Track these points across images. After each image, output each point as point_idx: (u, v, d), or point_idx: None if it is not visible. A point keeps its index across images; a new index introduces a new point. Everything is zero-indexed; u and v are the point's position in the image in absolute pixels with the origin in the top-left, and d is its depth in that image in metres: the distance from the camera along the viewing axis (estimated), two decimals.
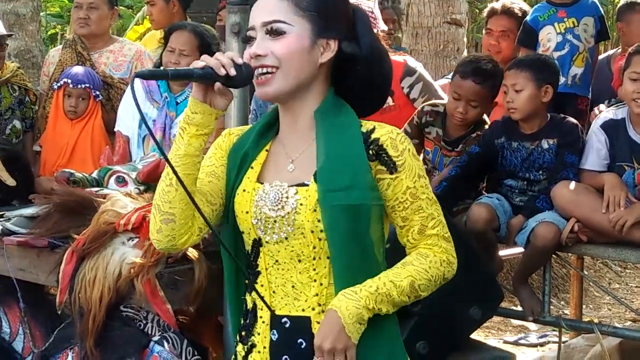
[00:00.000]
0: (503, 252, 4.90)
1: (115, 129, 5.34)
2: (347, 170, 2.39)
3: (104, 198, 3.95)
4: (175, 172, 2.37)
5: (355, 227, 2.38)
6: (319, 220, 2.39)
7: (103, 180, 4.28)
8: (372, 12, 4.60)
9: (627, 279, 9.38)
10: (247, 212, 2.47)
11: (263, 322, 2.49)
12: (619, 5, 6.07)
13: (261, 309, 2.50)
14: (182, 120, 2.43)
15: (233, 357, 2.60)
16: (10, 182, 4.68)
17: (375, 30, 3.15)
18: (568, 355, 5.78)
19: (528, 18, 5.54)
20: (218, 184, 2.51)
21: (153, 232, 2.49)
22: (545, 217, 4.40)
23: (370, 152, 2.43)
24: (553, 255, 4.67)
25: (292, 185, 2.44)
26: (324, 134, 2.43)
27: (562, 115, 4.66)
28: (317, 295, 2.44)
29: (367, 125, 2.47)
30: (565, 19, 5.40)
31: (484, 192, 4.84)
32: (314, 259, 2.43)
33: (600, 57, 5.64)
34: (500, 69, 4.79)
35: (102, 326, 3.64)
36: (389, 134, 2.44)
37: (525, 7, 5.84)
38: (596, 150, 4.49)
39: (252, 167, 2.50)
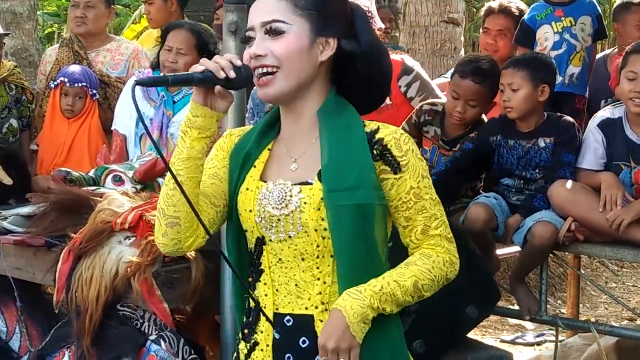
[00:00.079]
0: (500, 251, 4.90)
1: (112, 128, 5.34)
2: (352, 170, 2.40)
3: (101, 197, 3.95)
4: (175, 179, 2.38)
5: (360, 227, 2.39)
6: (322, 219, 2.40)
7: (100, 179, 4.28)
8: (369, 11, 4.60)
9: (623, 278, 9.39)
10: (250, 211, 2.47)
11: (266, 321, 2.50)
12: (614, 6, 6.08)
13: (264, 307, 2.50)
14: (183, 124, 2.44)
15: (235, 354, 2.61)
16: (7, 180, 4.68)
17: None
18: (565, 354, 5.78)
19: (525, 17, 5.55)
20: (221, 185, 2.52)
21: (158, 236, 2.49)
22: (542, 216, 4.40)
23: (374, 152, 2.44)
24: (550, 254, 4.67)
25: (295, 184, 2.45)
26: (328, 134, 2.44)
27: (559, 114, 4.66)
28: (320, 293, 2.45)
29: (370, 125, 2.48)
30: (563, 18, 5.41)
31: (481, 191, 4.84)
32: (318, 257, 2.44)
33: (597, 56, 5.64)
34: (500, 69, 4.80)
35: (99, 325, 3.64)
36: (393, 134, 2.45)
37: (523, 6, 5.84)
38: (593, 150, 4.48)
39: (255, 166, 2.51)
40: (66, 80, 5.42)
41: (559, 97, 5.03)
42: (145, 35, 7.67)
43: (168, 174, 2.44)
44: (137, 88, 5.58)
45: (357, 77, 2.50)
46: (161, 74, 2.43)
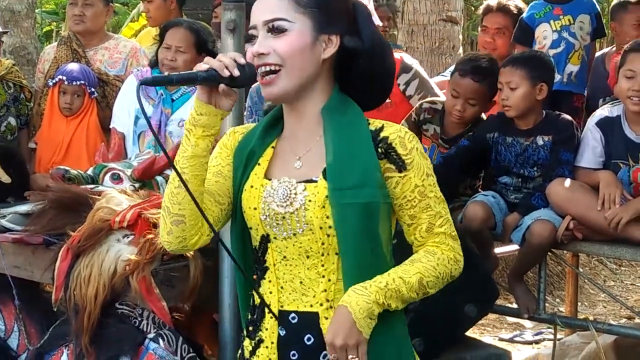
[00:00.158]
0: (498, 250, 4.91)
1: (111, 126, 5.34)
2: (356, 168, 2.40)
3: (99, 195, 3.94)
4: (179, 176, 2.38)
5: (365, 225, 2.40)
6: (327, 217, 2.41)
7: (98, 177, 4.28)
8: (367, 8, 4.60)
9: (622, 277, 9.40)
10: (255, 209, 2.48)
11: (271, 317, 2.51)
12: (612, 5, 6.08)
13: (269, 304, 2.51)
14: (187, 122, 2.45)
15: (240, 351, 2.61)
16: (5, 179, 4.67)
17: None
18: (563, 352, 5.78)
19: (524, 15, 5.55)
20: (225, 183, 2.53)
21: (163, 234, 2.50)
22: (540, 215, 4.40)
23: (379, 150, 2.44)
24: (548, 253, 4.67)
25: (300, 182, 2.46)
26: (333, 132, 2.44)
27: (557, 113, 4.66)
28: (325, 291, 2.46)
29: (375, 123, 2.49)
30: (561, 17, 5.41)
31: (479, 189, 4.84)
32: (323, 255, 2.45)
33: (595, 55, 5.64)
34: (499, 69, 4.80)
35: (97, 323, 3.64)
36: (397, 133, 2.46)
37: (521, 4, 5.84)
38: (591, 148, 4.48)
39: (259, 164, 2.51)
40: (64, 78, 5.41)
41: (557, 96, 5.03)
42: (144, 33, 7.67)
43: (172, 172, 2.45)
44: (135, 85, 5.60)
45: (360, 73, 2.51)
46: (166, 73, 2.43)
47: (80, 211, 3.88)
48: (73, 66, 5.52)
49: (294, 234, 2.45)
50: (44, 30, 14.19)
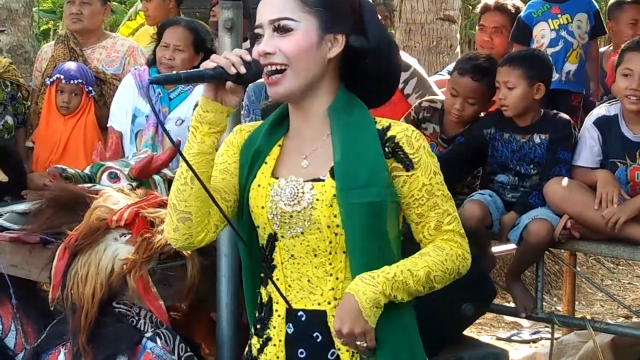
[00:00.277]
0: (496, 249, 4.91)
1: (108, 125, 5.34)
2: (364, 167, 2.41)
3: (97, 194, 3.94)
4: (191, 169, 2.39)
5: (373, 224, 2.41)
6: (335, 216, 2.42)
7: (95, 176, 4.27)
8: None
9: (619, 276, 9.40)
10: (262, 207, 2.49)
11: (279, 315, 2.52)
12: (609, 4, 6.09)
13: (277, 303, 2.52)
14: (193, 119, 2.46)
15: (247, 349, 2.62)
16: (2, 178, 4.67)
17: None
18: (560, 351, 5.79)
19: (522, 14, 5.55)
20: (231, 180, 2.54)
21: (170, 231, 2.51)
22: (538, 214, 4.40)
23: (386, 149, 2.45)
24: (546, 252, 4.67)
25: (307, 181, 2.46)
26: (340, 132, 2.45)
27: (555, 111, 4.66)
28: (333, 289, 2.47)
29: (382, 122, 2.50)
30: (559, 16, 5.41)
31: (477, 188, 4.84)
32: (330, 253, 2.46)
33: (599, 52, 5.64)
34: None
35: (95, 322, 3.63)
36: (404, 132, 2.47)
37: (519, 3, 5.85)
38: (589, 147, 4.48)
39: (266, 162, 2.52)
40: (62, 77, 5.41)
41: (555, 95, 5.03)
42: (141, 32, 7.67)
43: (178, 171, 2.46)
44: (133, 84, 5.62)
45: (366, 72, 2.51)
46: (174, 72, 2.43)
47: (78, 210, 3.88)
48: (71, 65, 5.52)
49: (302, 233, 2.46)
50: (42, 28, 14.19)
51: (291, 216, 2.45)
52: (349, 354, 2.47)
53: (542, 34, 5.40)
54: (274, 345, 2.52)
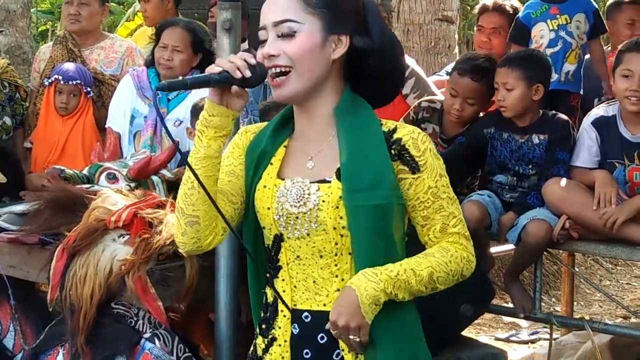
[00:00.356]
0: (494, 249, 4.90)
1: (106, 126, 5.34)
2: (370, 170, 2.41)
3: (95, 195, 3.94)
4: (196, 175, 2.40)
5: (379, 226, 2.42)
6: (341, 217, 2.42)
7: (94, 177, 4.27)
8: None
9: (617, 276, 9.40)
10: (268, 208, 2.49)
11: (284, 316, 2.53)
12: (607, 4, 6.09)
13: (282, 303, 2.52)
14: (199, 123, 2.46)
15: (252, 348, 2.63)
16: (1, 178, 4.66)
17: None
18: (559, 351, 5.79)
19: (520, 14, 5.55)
20: (238, 182, 2.54)
21: (178, 235, 2.51)
22: (536, 214, 4.40)
23: (392, 152, 2.45)
24: (544, 252, 4.67)
25: (313, 182, 2.47)
26: (346, 134, 2.46)
27: (554, 112, 4.66)
28: (338, 290, 2.47)
29: (388, 124, 2.50)
30: (558, 16, 5.41)
31: (476, 189, 4.84)
32: (336, 254, 2.46)
33: (588, 55, 5.62)
34: None
35: (93, 323, 3.63)
36: (410, 134, 2.47)
37: (517, 4, 5.85)
38: (587, 147, 4.48)
39: (271, 164, 2.53)
40: (60, 78, 5.41)
41: (554, 95, 5.03)
42: (139, 32, 7.67)
43: (185, 175, 2.46)
44: (131, 84, 5.62)
45: (370, 73, 2.51)
46: (180, 78, 2.44)
47: (76, 211, 3.87)
48: (69, 66, 5.52)
49: (307, 234, 2.47)
50: (40, 29, 14.17)
51: (297, 217, 2.46)
52: (352, 355, 2.47)
53: (541, 35, 5.40)
54: (279, 345, 2.53)
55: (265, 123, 2.63)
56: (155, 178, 4.26)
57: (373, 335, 2.44)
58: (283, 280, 2.52)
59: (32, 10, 9.64)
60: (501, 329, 7.56)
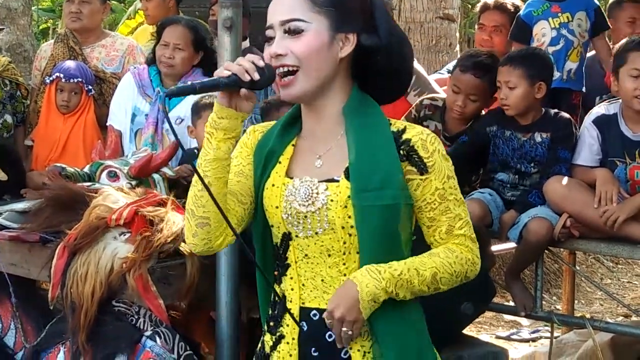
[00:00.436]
0: (495, 248, 4.90)
1: (107, 124, 5.34)
2: (379, 170, 2.41)
3: (96, 193, 3.94)
4: (202, 181, 2.40)
5: (386, 226, 2.42)
6: (349, 217, 2.42)
7: (95, 174, 4.27)
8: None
9: (618, 274, 9.40)
10: (277, 207, 2.49)
11: (292, 313, 2.52)
12: (609, 3, 6.08)
13: (290, 301, 2.53)
14: (208, 125, 2.45)
15: (260, 345, 2.63)
16: (2, 176, 4.67)
17: None
18: (560, 350, 5.79)
19: (521, 13, 5.55)
20: (247, 182, 2.54)
21: (189, 237, 2.52)
22: (537, 213, 4.40)
23: (401, 152, 2.45)
24: (545, 251, 4.67)
25: (321, 181, 2.47)
26: (355, 133, 2.45)
27: (556, 110, 4.66)
28: None
29: (397, 124, 2.50)
30: (560, 14, 5.40)
31: (477, 187, 4.83)
32: (344, 253, 2.46)
33: (590, 53, 5.62)
34: None
35: (94, 321, 3.63)
36: (419, 135, 2.47)
37: (518, 2, 5.85)
38: (588, 146, 4.48)
39: (279, 162, 2.53)
40: (62, 75, 5.41)
41: (556, 93, 5.03)
42: (140, 30, 7.66)
43: (194, 177, 2.46)
44: (132, 82, 5.61)
45: (378, 70, 2.51)
46: (189, 82, 2.44)
47: (77, 209, 3.87)
48: (70, 64, 5.52)
49: (316, 233, 2.47)
50: (41, 27, 14.17)
51: (305, 216, 2.46)
52: (360, 353, 2.48)
53: (543, 33, 5.40)
54: (287, 343, 2.53)
55: (273, 122, 2.63)
56: (156, 176, 4.26)
57: (377, 332, 2.45)
58: (291, 278, 2.52)
59: (33, 8, 9.65)
60: (502, 328, 7.56)
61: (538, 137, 4.54)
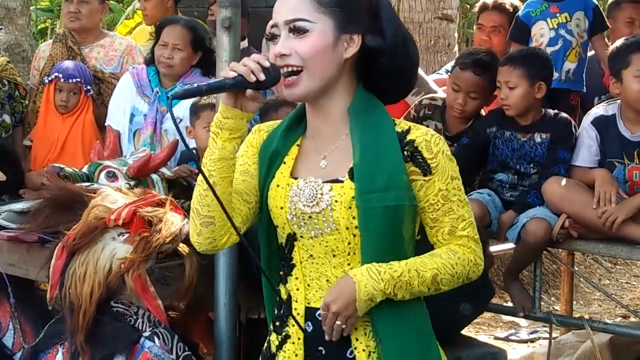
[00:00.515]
0: (494, 248, 4.90)
1: (106, 124, 5.33)
2: (384, 171, 2.41)
3: (94, 193, 3.94)
4: (207, 181, 2.40)
5: (390, 227, 2.42)
6: (353, 217, 2.42)
7: (93, 175, 4.27)
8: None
9: (617, 275, 9.40)
10: (281, 208, 2.50)
11: (298, 314, 2.53)
12: (608, 3, 6.08)
13: (296, 301, 2.53)
14: (213, 125, 2.45)
15: (266, 345, 2.64)
16: (0, 176, 4.66)
17: None
18: (558, 351, 5.79)
19: (520, 13, 5.54)
20: (252, 181, 2.54)
21: (193, 235, 2.52)
22: (536, 213, 4.40)
23: (405, 153, 2.45)
24: (544, 251, 4.67)
25: (326, 182, 2.47)
26: (359, 133, 2.45)
27: (556, 111, 4.65)
28: None
29: (401, 125, 2.50)
30: (558, 14, 5.40)
31: (476, 187, 4.83)
32: (349, 254, 2.46)
33: (589, 53, 5.61)
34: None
35: (93, 322, 3.63)
36: (424, 136, 2.46)
37: (517, 2, 5.85)
38: (587, 147, 4.48)
39: (284, 163, 2.53)
40: (60, 75, 5.41)
41: (555, 94, 5.02)
42: (138, 30, 7.67)
43: (199, 176, 2.46)
44: (131, 83, 5.60)
45: (383, 71, 2.50)
46: (195, 85, 2.43)
47: (76, 209, 3.87)
48: (69, 64, 5.52)
49: (321, 234, 2.47)
50: (39, 27, 14.15)
51: (310, 217, 2.46)
52: (366, 353, 2.48)
53: (541, 33, 5.40)
54: (293, 343, 2.54)
55: (278, 121, 2.63)
56: (154, 176, 4.26)
57: (378, 333, 2.45)
58: (297, 278, 2.53)
59: (31, 8, 9.63)
60: (500, 328, 7.56)
61: (538, 138, 4.54)
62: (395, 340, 2.45)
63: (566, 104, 5.23)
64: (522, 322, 7.36)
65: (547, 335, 5.87)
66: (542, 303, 4.82)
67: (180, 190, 4.25)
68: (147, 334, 3.66)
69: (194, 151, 4.51)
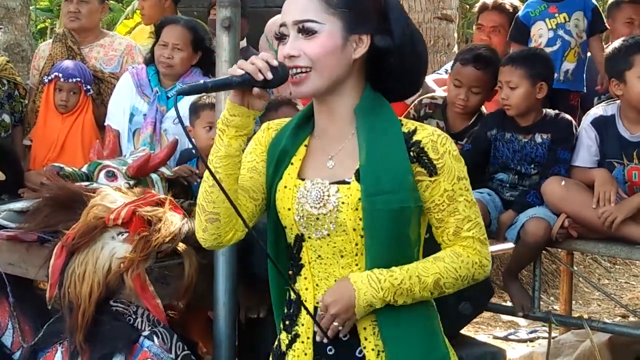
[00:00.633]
0: (493, 248, 4.90)
1: (106, 124, 5.33)
2: (390, 172, 2.41)
3: (94, 192, 3.94)
4: (214, 177, 2.40)
5: (396, 229, 2.42)
6: (360, 219, 2.42)
7: (93, 174, 4.27)
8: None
9: (616, 275, 9.40)
10: (289, 209, 2.50)
11: (307, 313, 2.52)
12: (608, 3, 6.08)
13: (305, 300, 2.53)
14: (220, 122, 2.45)
15: (276, 344, 2.64)
16: (0, 176, 4.66)
17: None
18: (558, 350, 5.79)
19: (520, 13, 5.54)
20: (259, 179, 2.55)
21: (199, 231, 2.53)
22: (535, 213, 4.40)
23: (411, 153, 2.45)
24: (543, 251, 4.67)
25: (333, 183, 2.47)
26: (366, 134, 2.45)
27: (557, 111, 4.65)
28: None
29: (408, 125, 2.49)
30: (557, 15, 5.40)
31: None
32: (356, 254, 2.47)
33: (589, 54, 5.61)
34: (499, 58, 4.81)
35: (92, 321, 3.63)
36: (430, 137, 2.46)
37: (516, 2, 5.84)
38: (587, 147, 4.48)
39: (292, 163, 2.53)
40: (60, 75, 5.41)
41: (554, 94, 5.02)
42: (138, 30, 7.66)
43: (205, 173, 2.46)
44: (130, 82, 5.60)
45: (392, 70, 2.50)
46: (201, 81, 2.44)
47: (75, 208, 3.87)
48: (69, 63, 5.52)
49: (328, 235, 2.47)
50: (39, 27, 14.15)
51: (317, 218, 2.46)
52: (375, 352, 2.48)
53: (540, 33, 5.40)
54: (302, 342, 2.54)
55: (287, 119, 2.63)
56: (154, 176, 4.26)
57: (382, 334, 2.46)
58: (305, 278, 2.53)
59: (31, 7, 9.64)
60: (500, 328, 7.56)
61: (538, 138, 4.54)
62: (397, 344, 2.45)
63: (566, 104, 5.22)
64: (522, 321, 7.37)
65: (546, 334, 5.86)
66: (541, 303, 4.82)
67: (180, 190, 4.26)
68: (146, 333, 3.67)
69: (194, 151, 4.50)
